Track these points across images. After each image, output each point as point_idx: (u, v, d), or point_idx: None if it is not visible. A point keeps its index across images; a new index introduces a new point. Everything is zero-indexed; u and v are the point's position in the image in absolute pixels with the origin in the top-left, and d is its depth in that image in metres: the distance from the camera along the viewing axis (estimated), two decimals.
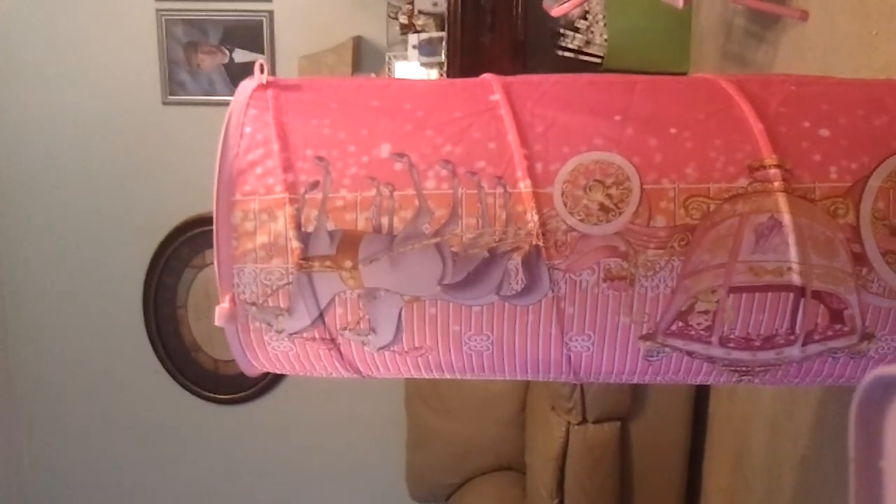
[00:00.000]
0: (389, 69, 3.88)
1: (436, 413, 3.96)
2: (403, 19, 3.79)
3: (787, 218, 1.25)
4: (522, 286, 1.27)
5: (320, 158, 1.29)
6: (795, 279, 1.25)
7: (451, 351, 1.34)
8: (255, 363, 1.41)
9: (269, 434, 4.50)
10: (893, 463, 0.60)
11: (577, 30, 3.55)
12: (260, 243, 1.27)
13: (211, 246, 1.30)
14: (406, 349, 1.35)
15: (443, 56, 3.58)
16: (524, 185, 1.26)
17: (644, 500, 3.41)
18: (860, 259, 1.25)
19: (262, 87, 1.37)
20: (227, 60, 4.15)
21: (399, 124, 1.33)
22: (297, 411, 4.44)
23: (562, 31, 3.57)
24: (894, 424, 0.60)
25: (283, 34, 4.11)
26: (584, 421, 3.25)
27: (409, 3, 3.81)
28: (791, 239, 1.24)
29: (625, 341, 1.32)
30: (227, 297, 1.30)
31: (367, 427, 4.42)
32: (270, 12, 4.09)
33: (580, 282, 1.27)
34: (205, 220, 4.01)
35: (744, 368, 1.35)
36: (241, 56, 4.13)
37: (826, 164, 1.27)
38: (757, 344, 1.30)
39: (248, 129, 1.31)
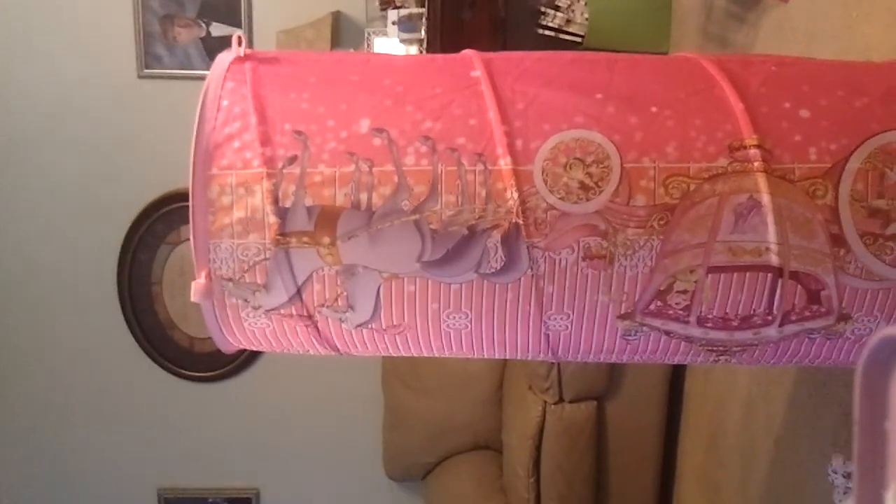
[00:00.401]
0: (369, 45, 3.84)
1: (413, 392, 3.96)
2: None
3: (766, 198, 1.25)
4: (502, 264, 1.27)
5: (299, 133, 1.27)
6: (773, 259, 1.25)
7: (430, 329, 1.34)
8: (232, 340, 1.39)
9: (245, 412, 4.48)
10: None
11: (557, 8, 3.53)
12: (237, 218, 1.26)
13: (186, 222, 1.28)
14: (384, 327, 1.34)
15: (423, 33, 3.55)
16: (504, 163, 1.25)
17: (620, 479, 3.43)
18: (838, 240, 1.25)
19: (240, 59, 1.35)
20: (203, 34, 4.10)
21: (379, 99, 1.32)
22: (273, 389, 4.43)
23: (542, 9, 3.55)
24: None
25: (261, 8, 4.06)
26: (560, 400, 3.26)
27: None
28: (770, 219, 1.25)
29: (603, 320, 1.32)
30: (203, 273, 1.29)
31: (344, 406, 4.42)
32: None
33: (559, 260, 1.27)
34: (180, 196, 3.97)
35: (721, 348, 1.36)
36: (218, 30, 4.08)
37: (806, 145, 1.27)
38: (734, 324, 1.31)
39: (225, 103, 1.30)
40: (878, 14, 1.79)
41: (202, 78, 1.34)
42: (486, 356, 1.42)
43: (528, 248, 1.26)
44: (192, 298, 1.30)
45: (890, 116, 1.28)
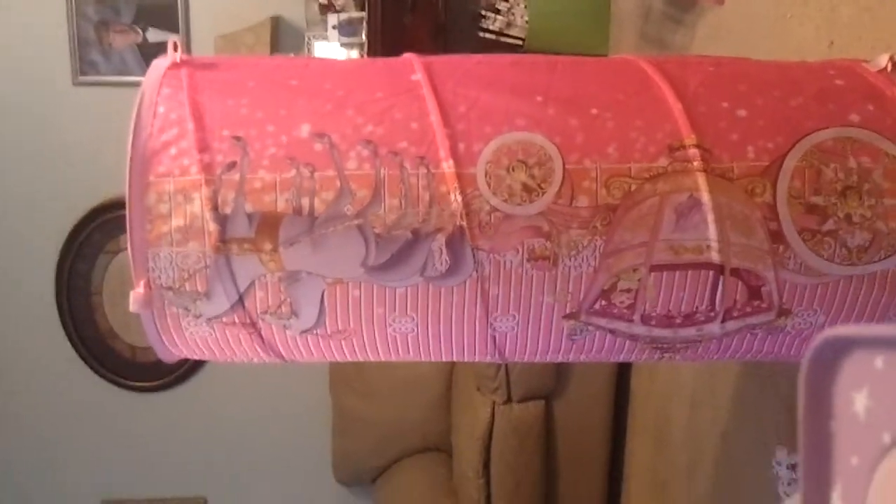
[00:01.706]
0: (309, 49, 3.82)
1: (361, 396, 3.95)
2: None
3: (706, 196, 1.26)
4: (447, 267, 1.26)
5: (237, 138, 1.26)
6: (714, 257, 1.27)
7: (376, 333, 1.33)
8: (173, 349, 1.37)
9: (190, 421, 4.42)
10: (843, 424, 0.61)
11: (497, 11, 3.55)
12: (175, 226, 1.23)
13: (125, 230, 1.25)
14: (329, 332, 1.32)
15: (363, 37, 3.54)
16: (447, 166, 1.25)
17: (569, 478, 3.45)
18: (777, 237, 1.27)
19: (176, 65, 1.33)
20: (140, 40, 4.03)
21: (319, 104, 1.30)
22: (218, 398, 4.37)
23: (483, 12, 3.57)
24: (844, 385, 0.61)
25: (199, 13, 4.01)
26: (509, 400, 3.27)
27: None
28: (710, 217, 1.26)
29: (548, 321, 1.32)
30: (142, 282, 1.26)
31: (291, 412, 4.38)
32: None
33: (504, 262, 1.27)
34: (118, 204, 3.87)
35: (665, 345, 1.37)
36: (154, 35, 4.01)
37: (743, 144, 1.29)
38: (678, 321, 1.32)
39: (161, 109, 1.27)
40: (809, 15, 1.83)
41: (139, 84, 1.31)
42: (432, 359, 1.42)
43: (472, 250, 1.26)
44: (132, 308, 1.27)
45: (824, 115, 1.31)
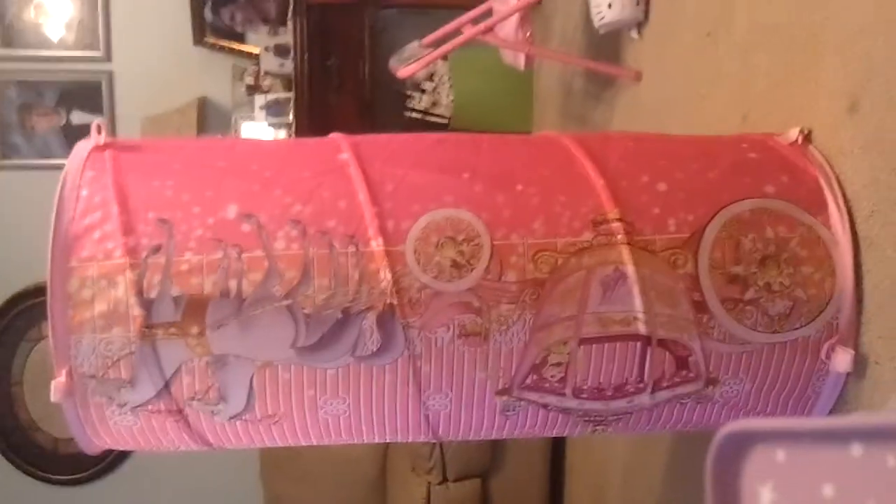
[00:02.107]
0: (236, 130, 3.82)
1: (293, 481, 3.84)
2: (250, 80, 3.76)
3: (630, 269, 1.28)
4: (378, 346, 1.26)
5: (163, 221, 1.24)
6: (641, 328, 1.29)
7: (307, 416, 1.30)
8: (96, 440, 1.32)
9: None
10: None
11: (423, 91, 3.61)
12: (98, 312, 1.21)
13: (47, 317, 1.22)
14: (259, 417, 1.30)
15: (290, 116, 3.57)
16: (376, 244, 1.25)
17: None
18: (701, 307, 1.30)
19: (100, 147, 1.31)
20: (63, 122, 3.99)
21: (246, 184, 1.30)
22: (145, 490, 4.22)
23: (409, 92, 3.63)
24: (750, 479, 0.61)
25: (124, 95, 4.00)
26: (444, 480, 3.23)
27: (254, 65, 3.79)
28: (635, 289, 1.28)
29: (482, 397, 1.31)
30: (64, 371, 1.23)
31: (221, 502, 4.24)
32: (110, 72, 3.97)
33: (435, 339, 1.26)
34: (40, 291, 3.75)
35: (598, 418, 1.38)
36: (78, 118, 3.98)
37: (665, 217, 1.32)
38: (609, 393, 1.33)
39: (84, 192, 1.25)
40: (722, 91, 1.90)
41: (62, 167, 1.29)
42: (366, 441, 1.40)
43: (403, 328, 1.25)
44: (53, 398, 1.23)
45: (740, 187, 1.35)
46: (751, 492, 0.61)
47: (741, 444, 0.61)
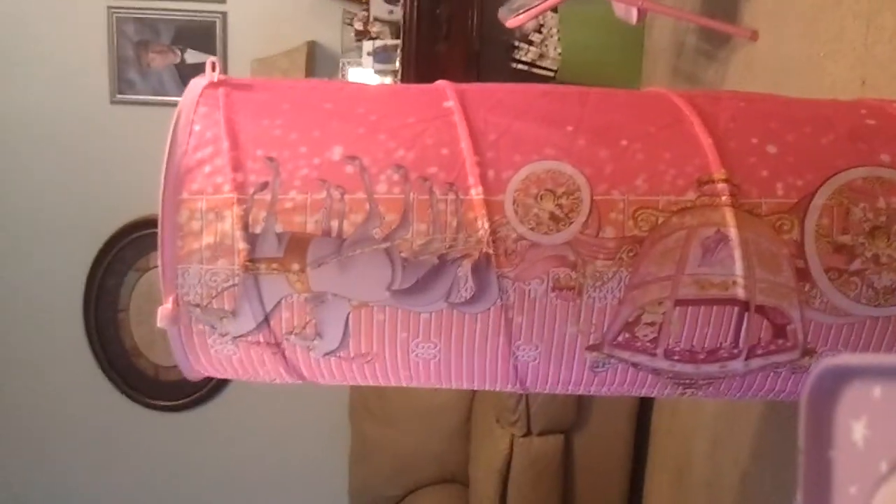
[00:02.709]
0: (343, 75, 3.86)
1: (380, 424, 3.94)
2: (359, 26, 3.78)
3: (733, 232, 1.26)
4: (471, 294, 1.27)
5: (270, 159, 1.27)
6: (740, 293, 1.26)
7: (398, 358, 1.33)
8: (198, 367, 1.38)
9: (210, 442, 4.43)
10: (842, 453, 0.61)
11: (531, 43, 3.57)
12: (206, 243, 1.25)
13: (156, 248, 1.27)
14: (352, 355, 1.33)
15: (397, 64, 3.58)
16: (476, 193, 1.26)
17: None
18: (804, 275, 1.27)
19: (213, 85, 1.35)
20: (178, 60, 4.10)
21: (352, 127, 1.32)
22: (239, 420, 4.38)
23: (516, 43, 3.59)
24: (843, 414, 0.61)
25: (237, 36, 4.08)
26: (528, 433, 3.25)
27: (364, 10, 3.81)
28: (737, 253, 1.26)
29: (571, 352, 1.32)
30: (171, 298, 1.28)
31: (311, 436, 4.38)
32: (224, 14, 4.05)
33: (529, 291, 1.27)
34: (150, 223, 3.92)
35: (688, 381, 1.36)
36: (192, 57, 4.08)
37: (773, 181, 1.28)
38: (701, 357, 1.31)
39: (197, 127, 1.29)
40: (843, 53, 1.83)
41: (175, 105, 1.33)
42: (454, 386, 1.42)
43: (497, 278, 1.26)
44: (159, 324, 1.29)
45: (855, 154, 1.30)
46: (844, 426, 0.60)
47: (838, 379, 0.61)
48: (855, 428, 0.60)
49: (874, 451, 0.58)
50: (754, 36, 2.37)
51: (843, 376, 0.61)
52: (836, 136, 1.33)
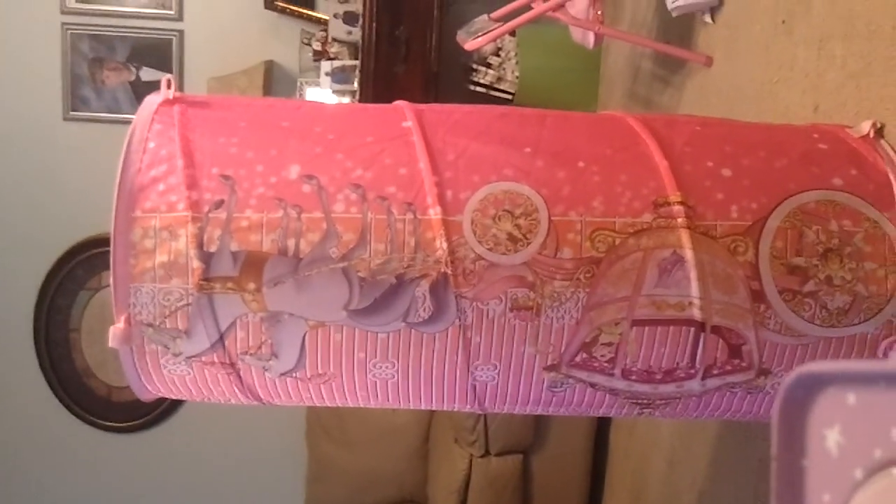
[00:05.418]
0: (301, 94, 3.85)
1: (337, 445, 3.90)
2: (317, 46, 3.78)
3: (689, 254, 1.27)
4: (430, 314, 1.26)
5: (226, 177, 1.26)
6: (696, 314, 1.27)
7: (356, 378, 1.32)
8: (150, 387, 1.35)
9: (164, 464, 4.36)
10: (814, 461, 0.61)
11: (489, 65, 3.60)
12: (159, 262, 1.23)
13: (108, 267, 1.25)
14: (309, 376, 1.32)
15: (355, 84, 3.58)
16: (434, 212, 1.26)
17: None
18: (758, 296, 1.28)
19: (169, 102, 1.33)
20: (133, 78, 4.06)
21: (309, 146, 1.31)
22: (193, 441, 4.32)
23: (475, 66, 3.61)
24: (816, 423, 0.61)
25: (193, 54, 4.05)
26: (486, 453, 3.24)
27: (322, 31, 3.81)
28: (693, 274, 1.27)
29: (529, 372, 1.32)
30: (123, 318, 1.25)
31: (267, 458, 4.33)
32: (181, 31, 4.02)
33: (487, 311, 1.27)
34: (103, 241, 3.88)
35: (645, 401, 1.37)
36: (148, 74, 4.04)
37: (728, 203, 1.30)
38: (658, 377, 1.32)
39: (151, 145, 1.28)
40: (795, 80, 1.86)
41: (129, 122, 1.31)
42: (412, 407, 1.41)
43: (456, 297, 1.26)
44: (111, 343, 1.26)
45: (808, 177, 1.33)
46: (817, 434, 0.60)
47: (812, 386, 0.61)
48: (828, 436, 0.60)
49: (848, 458, 0.58)
50: (709, 62, 2.40)
51: (817, 384, 0.61)
52: (789, 161, 1.35)
